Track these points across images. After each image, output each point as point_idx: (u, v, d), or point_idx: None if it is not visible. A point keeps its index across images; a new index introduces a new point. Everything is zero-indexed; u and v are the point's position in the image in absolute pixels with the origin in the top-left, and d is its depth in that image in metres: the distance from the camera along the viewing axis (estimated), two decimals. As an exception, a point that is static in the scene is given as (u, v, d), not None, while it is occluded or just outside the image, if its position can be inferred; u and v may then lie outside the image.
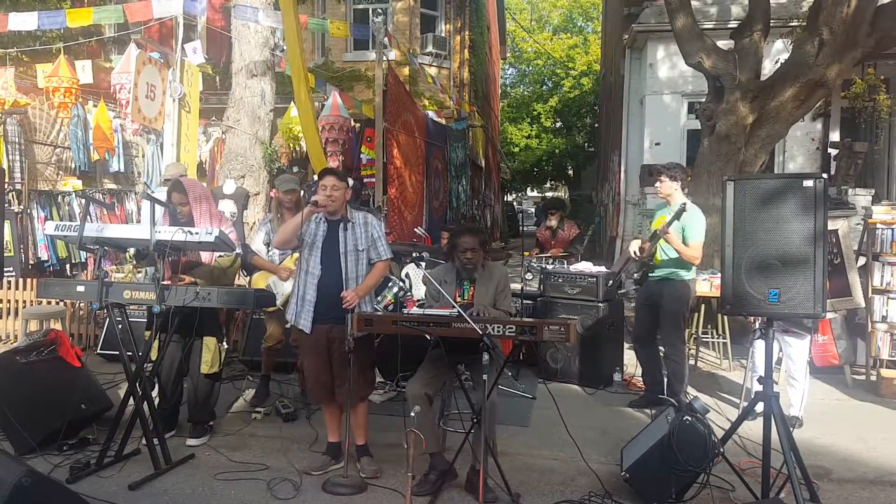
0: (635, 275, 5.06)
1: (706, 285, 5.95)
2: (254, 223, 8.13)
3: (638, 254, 5.01)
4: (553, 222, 7.60)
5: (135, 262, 4.54)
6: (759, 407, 3.48)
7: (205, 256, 4.35)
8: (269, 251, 5.01)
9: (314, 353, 3.83)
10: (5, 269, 7.57)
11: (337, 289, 3.71)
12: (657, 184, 5.02)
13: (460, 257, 3.87)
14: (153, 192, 7.89)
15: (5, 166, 8.03)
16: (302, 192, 5.80)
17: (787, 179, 3.45)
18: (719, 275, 3.94)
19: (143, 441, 3.88)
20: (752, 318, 5.02)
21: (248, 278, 5.55)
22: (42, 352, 4.37)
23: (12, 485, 2.78)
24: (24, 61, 10.26)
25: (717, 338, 6.41)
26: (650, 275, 5.01)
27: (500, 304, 3.86)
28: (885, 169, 11.22)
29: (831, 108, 11.05)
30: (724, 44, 7.76)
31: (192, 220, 4.29)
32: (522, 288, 6.49)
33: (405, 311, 4.65)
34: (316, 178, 7.65)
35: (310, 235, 3.80)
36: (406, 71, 12.71)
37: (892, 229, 5.68)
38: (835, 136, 11.12)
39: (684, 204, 4.76)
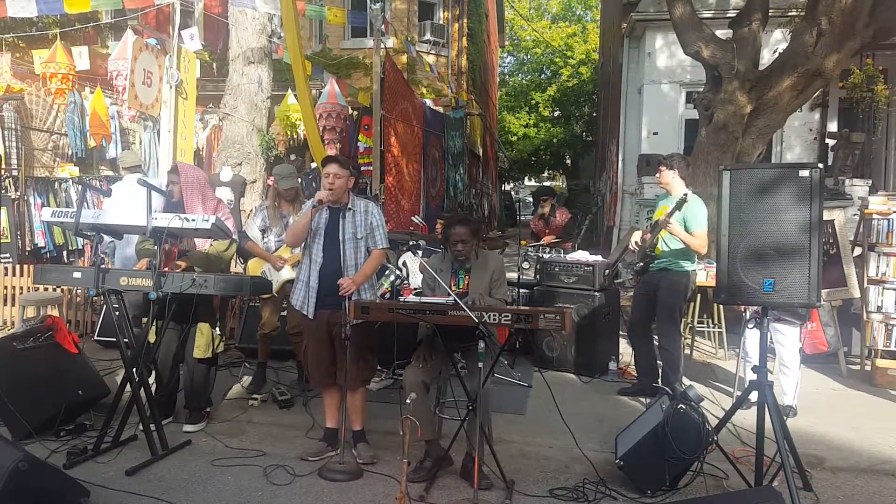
0: (639, 265, 5.06)
1: (702, 275, 5.96)
2: (251, 210, 8.13)
3: (639, 244, 5.01)
4: (546, 209, 7.65)
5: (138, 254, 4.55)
6: (754, 396, 3.49)
7: (199, 243, 4.34)
8: (264, 238, 5.02)
9: (316, 337, 3.87)
10: (2, 256, 7.58)
11: (337, 275, 3.76)
12: (657, 174, 5.03)
13: (452, 249, 3.88)
14: (146, 179, 7.87)
15: (2, 153, 8.00)
16: (300, 181, 5.80)
17: (784, 169, 3.45)
18: (715, 264, 3.94)
19: (140, 427, 3.89)
20: (741, 307, 5.03)
21: (244, 265, 5.55)
22: (39, 338, 4.37)
23: (10, 469, 2.80)
24: (20, 47, 10.20)
25: (713, 327, 6.43)
26: (651, 266, 5.01)
27: (496, 292, 3.87)
28: (882, 159, 11.23)
29: (829, 98, 11.04)
30: (722, 33, 7.74)
31: (182, 202, 4.27)
32: (519, 277, 6.50)
33: (401, 299, 4.66)
34: (314, 165, 7.66)
35: (313, 223, 3.84)
36: (404, 59, 12.65)
37: (889, 220, 5.68)
38: (832, 127, 11.12)
39: (685, 195, 4.74)
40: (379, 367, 5.27)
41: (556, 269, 5.92)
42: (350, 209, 3.84)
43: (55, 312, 6.30)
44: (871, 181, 10.14)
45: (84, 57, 9.38)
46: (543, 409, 4.60)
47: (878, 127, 10.80)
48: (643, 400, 4.90)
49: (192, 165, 5.71)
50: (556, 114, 30.33)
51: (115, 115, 9.45)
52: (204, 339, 4.32)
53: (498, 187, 28.50)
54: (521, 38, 31.44)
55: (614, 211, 13.00)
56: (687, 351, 6.09)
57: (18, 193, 8.08)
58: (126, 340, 3.98)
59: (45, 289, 6.69)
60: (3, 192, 7.86)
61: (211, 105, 10.28)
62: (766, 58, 8.65)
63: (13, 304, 6.88)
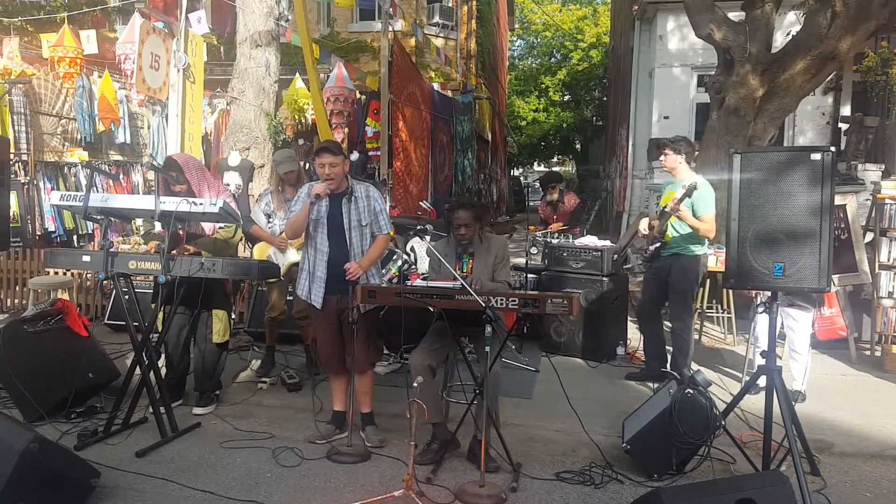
0: (651, 248, 5.03)
1: (712, 260, 5.91)
2: (259, 195, 8.13)
3: (647, 231, 4.98)
4: (554, 195, 7.59)
5: (143, 239, 4.58)
6: (762, 381, 3.48)
7: (206, 228, 4.34)
8: (269, 222, 5.01)
9: (324, 323, 3.87)
10: (12, 240, 7.62)
11: (344, 262, 3.75)
12: (662, 157, 4.98)
13: (455, 232, 3.87)
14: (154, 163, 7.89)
15: (11, 137, 8.03)
16: (307, 165, 5.77)
17: (795, 152, 3.40)
18: (724, 249, 3.91)
19: (150, 410, 3.91)
20: (753, 292, 5.00)
21: (251, 250, 5.56)
22: (49, 321, 4.40)
23: (21, 450, 2.83)
24: (28, 31, 10.20)
25: (723, 312, 6.40)
26: (661, 252, 4.98)
27: (499, 274, 3.85)
28: (896, 144, 11.08)
29: (843, 81, 10.89)
30: (735, 15, 7.63)
31: (192, 193, 4.24)
32: (527, 262, 6.48)
33: (409, 283, 4.67)
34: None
35: (314, 212, 3.81)
36: (412, 42, 12.57)
37: (902, 205, 5.62)
38: (846, 111, 10.98)
39: (695, 183, 4.68)
40: (386, 352, 5.29)
41: (565, 255, 5.89)
42: (352, 195, 3.80)
43: (66, 296, 6.34)
44: (884, 166, 10.01)
45: (92, 41, 9.38)
46: (551, 394, 4.60)
47: (893, 111, 10.64)
48: (651, 385, 4.90)
49: (187, 154, 5.68)
50: (566, 98, 30.13)
51: (124, 99, 9.46)
52: (221, 325, 4.36)
53: (507, 172, 28.41)
54: (531, 21, 31.16)
55: (624, 196, 12.93)
56: (696, 336, 6.07)
57: (28, 178, 8.11)
58: (136, 324, 4.00)
59: (56, 273, 6.74)
60: (12, 176, 7.90)
61: (219, 89, 10.25)
62: (780, 40, 8.53)
63: (24, 288, 6.93)
